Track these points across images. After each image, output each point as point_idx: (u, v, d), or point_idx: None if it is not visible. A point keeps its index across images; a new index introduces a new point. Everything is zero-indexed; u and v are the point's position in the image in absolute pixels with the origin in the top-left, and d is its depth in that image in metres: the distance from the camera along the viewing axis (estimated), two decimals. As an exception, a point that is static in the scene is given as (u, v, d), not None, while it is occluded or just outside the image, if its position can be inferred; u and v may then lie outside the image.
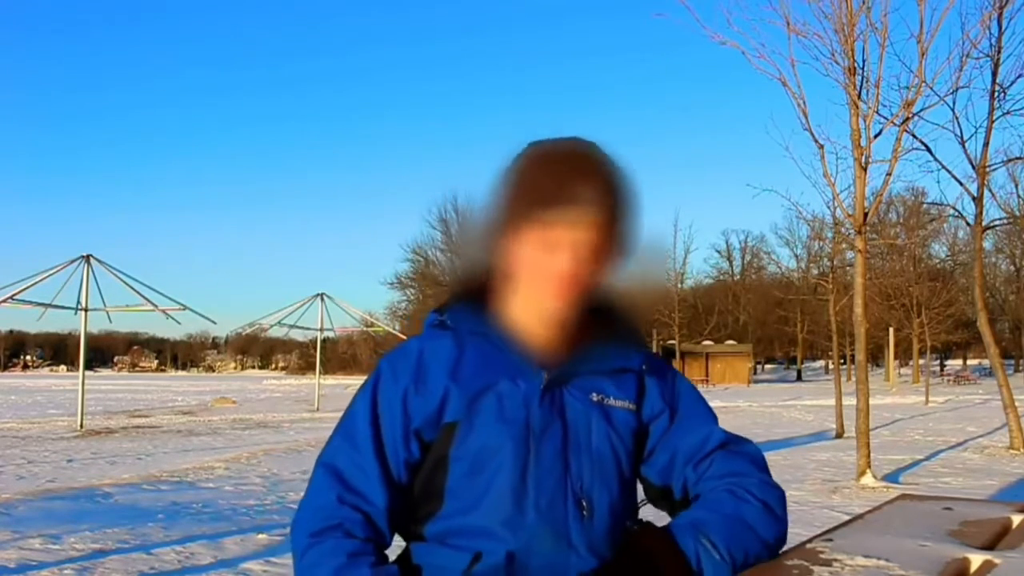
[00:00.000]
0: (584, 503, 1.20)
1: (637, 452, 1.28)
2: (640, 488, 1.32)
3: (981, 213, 12.84)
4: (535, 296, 1.21)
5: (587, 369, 1.24)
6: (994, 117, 11.94)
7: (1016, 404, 12.42)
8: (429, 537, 1.22)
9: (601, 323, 1.26)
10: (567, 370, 1.23)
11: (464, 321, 1.25)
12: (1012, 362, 56.63)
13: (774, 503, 1.24)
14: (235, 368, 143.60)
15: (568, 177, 1.15)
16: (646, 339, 1.34)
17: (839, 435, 14.71)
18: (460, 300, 1.28)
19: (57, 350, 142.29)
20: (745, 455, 1.29)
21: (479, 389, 1.21)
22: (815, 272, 52.60)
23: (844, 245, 17.25)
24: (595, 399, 1.24)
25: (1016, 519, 1.44)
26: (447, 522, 1.20)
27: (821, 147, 9.26)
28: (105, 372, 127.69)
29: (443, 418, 1.21)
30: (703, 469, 1.26)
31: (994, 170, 13.12)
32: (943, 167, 11.89)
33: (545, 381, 1.21)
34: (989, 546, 1.26)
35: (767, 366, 78.02)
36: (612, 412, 1.25)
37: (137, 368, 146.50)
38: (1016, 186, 40.85)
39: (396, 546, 1.25)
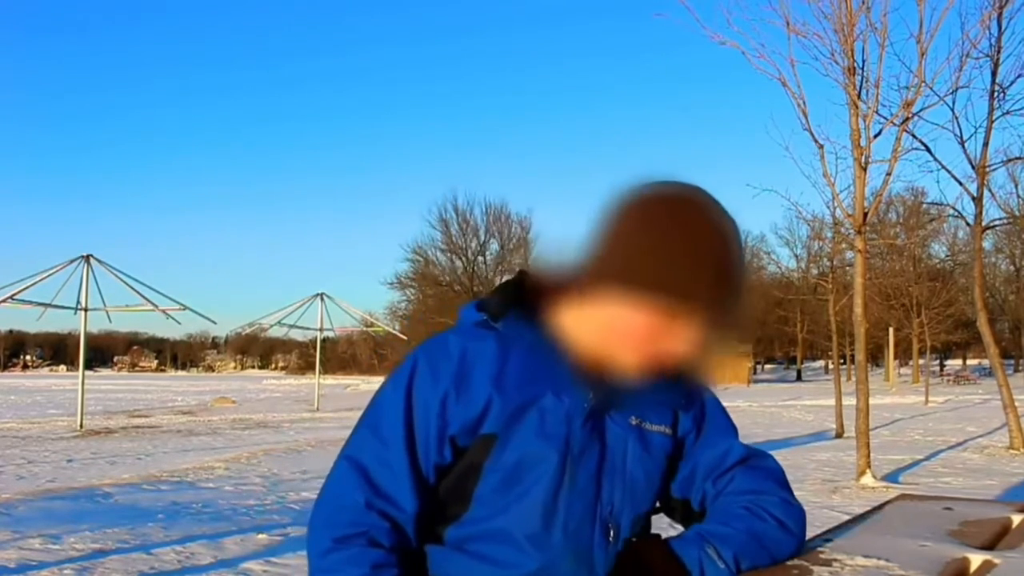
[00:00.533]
0: (611, 529, 1.19)
1: (669, 475, 1.27)
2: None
3: (981, 213, 12.86)
4: (614, 350, 1.16)
5: (629, 396, 1.20)
6: (994, 117, 11.95)
7: (1016, 404, 12.42)
8: (448, 541, 1.19)
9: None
10: (610, 394, 1.19)
11: (515, 326, 1.19)
12: (1012, 362, 56.63)
13: (791, 523, 1.21)
14: (235, 368, 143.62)
15: (707, 276, 1.10)
16: (703, 384, 1.29)
17: (839, 435, 14.72)
18: (512, 303, 1.21)
19: (57, 350, 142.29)
20: (766, 471, 1.27)
21: (522, 403, 1.16)
22: (815, 272, 52.58)
23: (844, 245, 17.25)
24: (633, 422, 1.21)
25: (1016, 519, 1.44)
26: (470, 528, 1.17)
27: (821, 147, 9.28)
28: (105, 372, 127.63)
29: (482, 428, 1.16)
30: (722, 485, 1.25)
31: (994, 170, 13.14)
32: (943, 167, 11.91)
33: (591, 403, 1.18)
34: (989, 546, 1.26)
35: (767, 366, 78.01)
36: (649, 437, 1.22)
37: (137, 368, 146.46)
38: (1016, 186, 40.69)
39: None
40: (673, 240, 1.10)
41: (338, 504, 1.16)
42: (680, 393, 1.25)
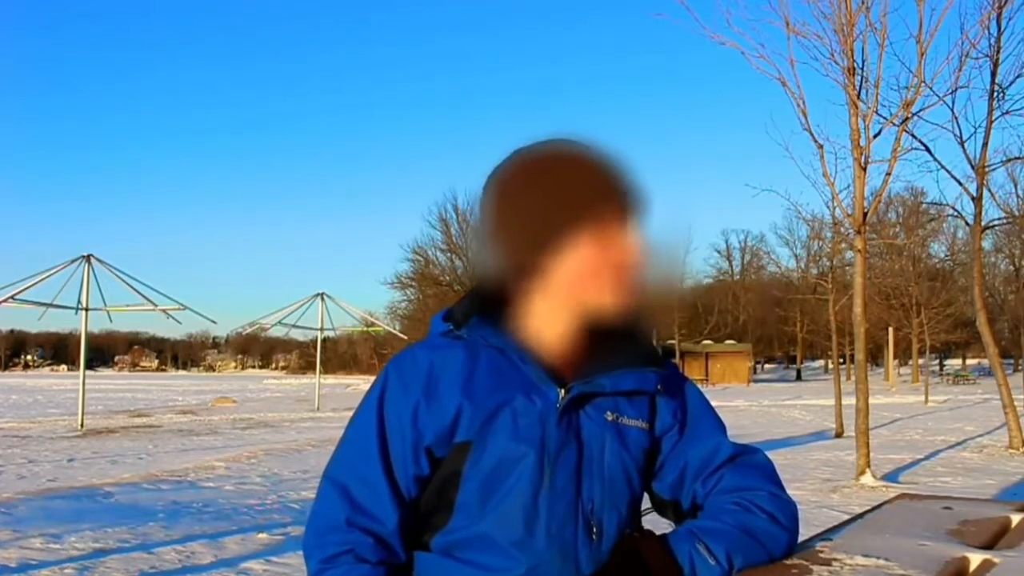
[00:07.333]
0: (594, 526, 1.19)
1: (647, 469, 1.27)
2: (645, 498, 1.30)
3: (980, 213, 12.85)
4: (590, 298, 1.19)
5: (602, 390, 1.21)
6: (993, 117, 11.93)
7: (1015, 403, 12.43)
8: (435, 548, 1.20)
9: (618, 342, 1.23)
10: (583, 391, 1.20)
11: (479, 331, 1.21)
12: (1011, 362, 56.55)
13: (782, 515, 1.22)
14: (235, 368, 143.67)
15: (614, 173, 1.19)
16: (661, 353, 1.29)
17: (839, 435, 14.73)
18: (474, 309, 1.23)
19: (58, 350, 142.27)
20: (754, 467, 1.27)
21: (494, 407, 1.17)
22: (815, 272, 52.52)
23: (843, 245, 17.24)
24: (610, 418, 1.21)
25: (1015, 518, 1.45)
26: (456, 535, 1.18)
27: (820, 147, 9.27)
28: (106, 372, 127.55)
29: (455, 436, 1.17)
30: (711, 484, 1.25)
31: (993, 170, 13.12)
32: (942, 167, 11.90)
33: (562, 400, 1.18)
34: (988, 545, 1.26)
35: (767, 366, 77.99)
36: (626, 431, 1.22)
37: (138, 368, 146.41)
38: (1015, 186, 40.60)
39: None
40: (585, 164, 1.19)
41: (323, 525, 1.19)
42: (646, 374, 1.24)
